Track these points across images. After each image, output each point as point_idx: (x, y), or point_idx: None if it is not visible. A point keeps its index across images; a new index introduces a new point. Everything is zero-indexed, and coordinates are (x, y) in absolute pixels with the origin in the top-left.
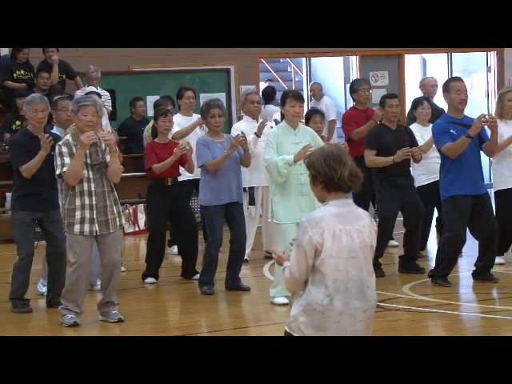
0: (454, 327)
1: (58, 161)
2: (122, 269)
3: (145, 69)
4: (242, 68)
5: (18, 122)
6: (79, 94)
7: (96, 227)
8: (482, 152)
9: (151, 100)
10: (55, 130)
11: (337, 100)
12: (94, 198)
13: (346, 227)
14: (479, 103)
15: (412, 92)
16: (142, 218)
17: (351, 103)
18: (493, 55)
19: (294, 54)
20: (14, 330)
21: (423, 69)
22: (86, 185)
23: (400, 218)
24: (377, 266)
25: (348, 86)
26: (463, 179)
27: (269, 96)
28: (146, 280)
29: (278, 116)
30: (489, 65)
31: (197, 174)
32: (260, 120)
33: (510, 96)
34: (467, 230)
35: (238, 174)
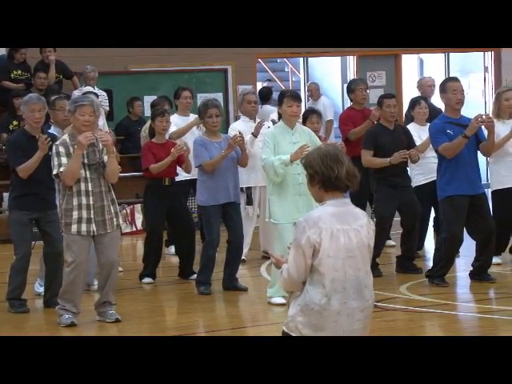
0: (452, 327)
1: (55, 161)
2: (120, 269)
3: (142, 69)
4: (240, 68)
5: (15, 122)
6: (76, 94)
7: (93, 227)
8: (478, 152)
9: (148, 100)
10: (52, 130)
11: (334, 100)
12: (91, 197)
13: (344, 227)
14: (476, 103)
15: (409, 92)
16: (139, 218)
17: (348, 103)
18: (490, 55)
19: (291, 54)
20: (11, 330)
21: (420, 69)
22: (83, 185)
23: (397, 218)
24: (374, 265)
25: (345, 86)
26: (460, 179)
27: (265, 96)
28: (143, 280)
29: (275, 116)
30: (486, 65)
31: (194, 174)
32: (257, 120)
33: (507, 95)
34: (464, 230)
35: (236, 174)
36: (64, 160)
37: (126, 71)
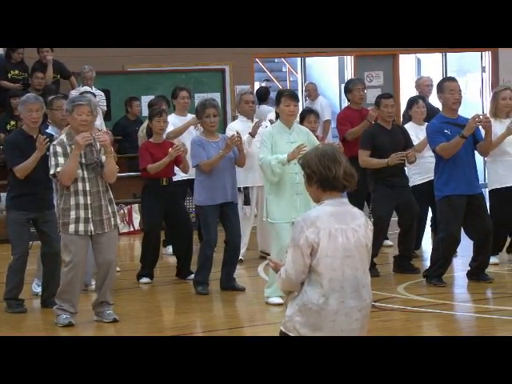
0: (449, 327)
1: (53, 161)
2: (117, 269)
3: (139, 69)
4: (237, 68)
5: (12, 122)
6: (74, 93)
7: (91, 227)
8: (476, 152)
9: (146, 100)
10: (50, 130)
11: (332, 100)
12: (88, 197)
13: (342, 226)
14: (474, 103)
15: (407, 92)
16: (136, 218)
17: (346, 103)
18: (487, 55)
19: (288, 54)
20: (9, 330)
21: (418, 69)
22: (80, 184)
23: (395, 218)
24: (371, 265)
25: (343, 85)
26: (458, 179)
27: (263, 96)
28: (140, 280)
29: (272, 116)
30: (483, 65)
31: (191, 174)
32: (255, 120)
33: (505, 95)
34: (462, 229)
35: (233, 173)
36: (61, 160)
37: (123, 71)
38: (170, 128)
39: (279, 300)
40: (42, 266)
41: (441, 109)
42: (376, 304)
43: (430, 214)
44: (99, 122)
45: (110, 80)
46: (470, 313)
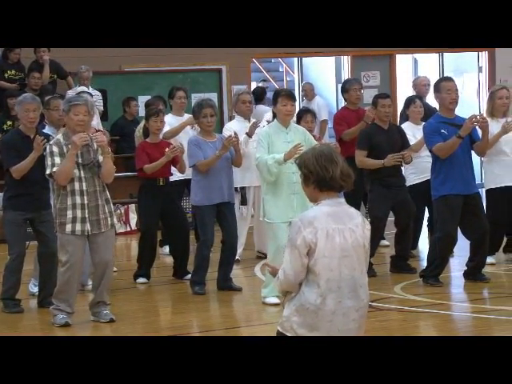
0: (446, 327)
1: (49, 160)
2: (114, 269)
3: (136, 69)
4: (234, 68)
5: (9, 122)
6: (70, 93)
7: (88, 226)
8: (473, 152)
9: (143, 100)
10: (47, 130)
11: (328, 100)
12: (85, 197)
13: (339, 226)
14: (471, 103)
15: (403, 92)
16: (133, 218)
17: (343, 103)
18: (484, 55)
19: (285, 54)
20: (5, 330)
21: (415, 69)
22: (77, 184)
23: (391, 218)
24: (368, 265)
25: (340, 86)
26: (454, 179)
27: (259, 96)
28: (137, 280)
29: (269, 116)
30: (480, 65)
31: (188, 174)
32: (252, 120)
33: (501, 94)
34: (458, 229)
35: (230, 174)
36: (57, 160)
37: (120, 71)
38: (166, 128)
39: (276, 300)
40: (39, 266)
41: (438, 108)
42: (373, 304)
43: (426, 214)
44: (96, 122)
45: (106, 80)
46: (467, 313)
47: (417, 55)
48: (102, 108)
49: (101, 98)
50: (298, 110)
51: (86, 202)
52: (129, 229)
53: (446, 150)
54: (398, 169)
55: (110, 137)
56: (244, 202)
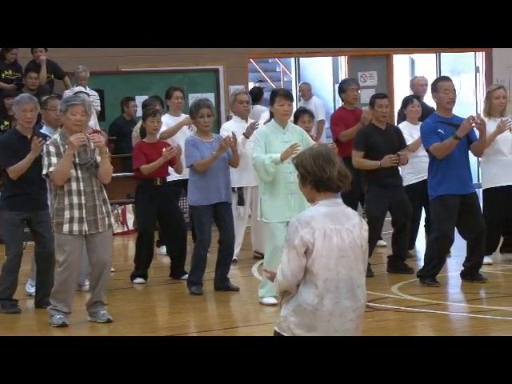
0: (443, 327)
1: (45, 160)
2: (111, 269)
3: (133, 69)
4: (231, 68)
5: (6, 123)
6: (67, 93)
7: (85, 226)
8: (470, 152)
9: (140, 100)
10: (44, 130)
11: (326, 100)
12: (83, 197)
13: (336, 227)
14: (468, 103)
15: (400, 92)
16: (130, 219)
17: (340, 103)
18: (481, 55)
19: (282, 54)
20: (2, 330)
21: (412, 69)
22: (74, 184)
23: (388, 218)
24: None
25: (337, 86)
26: (451, 179)
27: (256, 96)
28: (134, 280)
29: (266, 116)
30: (477, 65)
31: (185, 174)
32: (249, 120)
33: (498, 93)
34: (455, 229)
35: (227, 174)
36: (54, 160)
37: (117, 71)
38: (163, 128)
39: (273, 300)
40: (36, 267)
41: (435, 108)
42: (370, 304)
43: (423, 214)
44: (93, 122)
45: (103, 80)
46: (464, 313)
47: (414, 55)
48: (99, 108)
49: (98, 98)
50: (295, 110)
51: (83, 201)
52: (126, 229)
53: (442, 151)
54: (395, 169)
55: (107, 137)
56: (241, 202)
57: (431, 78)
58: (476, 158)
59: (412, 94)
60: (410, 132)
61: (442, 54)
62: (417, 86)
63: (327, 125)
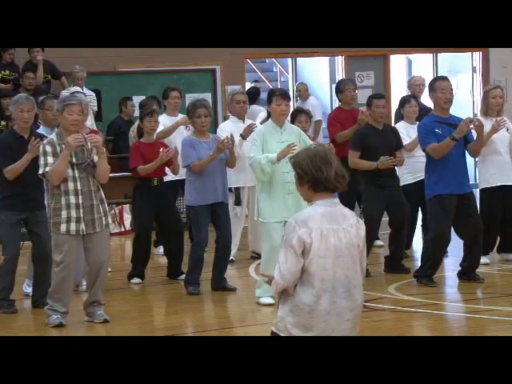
0: (440, 327)
1: (42, 160)
2: (108, 269)
3: (130, 69)
4: (228, 68)
5: (3, 123)
6: (64, 94)
7: (83, 226)
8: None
9: (137, 100)
10: (41, 130)
11: (323, 100)
12: (80, 196)
13: (333, 227)
14: (465, 103)
15: (398, 92)
16: (127, 219)
17: (337, 103)
18: (478, 56)
19: (279, 54)
20: None
21: (409, 69)
22: (71, 184)
23: (385, 218)
24: None
25: (334, 86)
26: (448, 179)
27: (253, 96)
28: (131, 280)
29: (263, 116)
30: (474, 65)
31: (182, 174)
32: (246, 120)
33: (495, 93)
34: (452, 229)
35: (224, 174)
36: (50, 160)
37: (114, 71)
38: (160, 128)
39: (270, 300)
40: (33, 267)
41: (433, 108)
42: (367, 304)
43: (420, 214)
44: (90, 122)
45: (100, 80)
46: (461, 313)
47: (411, 55)
48: (95, 108)
49: (95, 98)
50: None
51: (80, 201)
52: (123, 229)
53: (439, 151)
54: (392, 169)
55: (104, 137)
56: (238, 202)
57: (428, 78)
58: (473, 158)
59: (409, 93)
60: (408, 132)
61: (439, 54)
62: (414, 85)
63: (324, 125)
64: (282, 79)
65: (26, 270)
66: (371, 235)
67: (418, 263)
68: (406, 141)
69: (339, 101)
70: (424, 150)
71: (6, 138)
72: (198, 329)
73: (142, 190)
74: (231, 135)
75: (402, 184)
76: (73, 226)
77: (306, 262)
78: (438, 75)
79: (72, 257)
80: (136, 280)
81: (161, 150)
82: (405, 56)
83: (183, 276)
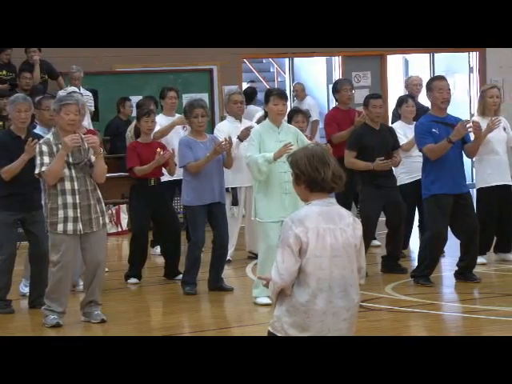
0: (436, 327)
1: (38, 160)
2: (105, 269)
3: (127, 69)
4: (225, 68)
5: (0, 123)
6: (61, 94)
7: (80, 226)
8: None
9: (134, 100)
10: (38, 130)
11: (319, 100)
12: (77, 196)
13: (330, 226)
14: (462, 103)
15: (394, 92)
16: (124, 219)
17: (334, 103)
18: (475, 55)
19: (276, 54)
20: None
21: (405, 69)
22: (68, 184)
23: (382, 218)
24: None
25: (331, 86)
26: (445, 179)
27: (250, 96)
28: (128, 280)
29: (260, 115)
30: (471, 65)
31: (179, 174)
32: (243, 120)
33: (492, 93)
34: (449, 229)
35: (221, 174)
36: (46, 159)
37: (111, 71)
38: (157, 128)
39: (267, 300)
40: (30, 267)
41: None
42: (364, 304)
43: (417, 214)
44: (87, 122)
45: (97, 80)
46: (458, 313)
47: (408, 55)
48: (92, 108)
49: (92, 98)
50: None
51: (77, 201)
52: (120, 229)
53: (436, 153)
54: (390, 169)
55: (101, 137)
56: (235, 202)
57: (425, 78)
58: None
59: (406, 93)
60: (405, 132)
61: (436, 54)
62: (411, 85)
63: (321, 125)
64: (279, 79)
65: (22, 270)
66: (368, 235)
67: (415, 263)
68: (402, 141)
69: (336, 101)
70: (420, 150)
71: (2, 138)
72: (195, 329)
73: (138, 190)
74: (229, 137)
75: (398, 184)
76: (70, 226)
77: (302, 262)
78: (436, 75)
79: (69, 257)
80: (133, 280)
81: (158, 149)
82: (402, 56)
83: (180, 276)
